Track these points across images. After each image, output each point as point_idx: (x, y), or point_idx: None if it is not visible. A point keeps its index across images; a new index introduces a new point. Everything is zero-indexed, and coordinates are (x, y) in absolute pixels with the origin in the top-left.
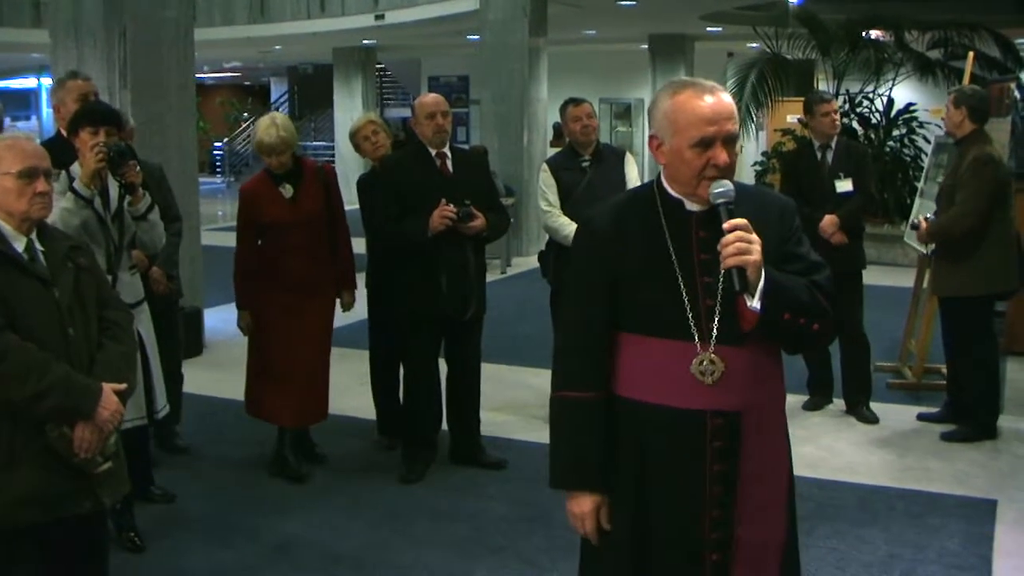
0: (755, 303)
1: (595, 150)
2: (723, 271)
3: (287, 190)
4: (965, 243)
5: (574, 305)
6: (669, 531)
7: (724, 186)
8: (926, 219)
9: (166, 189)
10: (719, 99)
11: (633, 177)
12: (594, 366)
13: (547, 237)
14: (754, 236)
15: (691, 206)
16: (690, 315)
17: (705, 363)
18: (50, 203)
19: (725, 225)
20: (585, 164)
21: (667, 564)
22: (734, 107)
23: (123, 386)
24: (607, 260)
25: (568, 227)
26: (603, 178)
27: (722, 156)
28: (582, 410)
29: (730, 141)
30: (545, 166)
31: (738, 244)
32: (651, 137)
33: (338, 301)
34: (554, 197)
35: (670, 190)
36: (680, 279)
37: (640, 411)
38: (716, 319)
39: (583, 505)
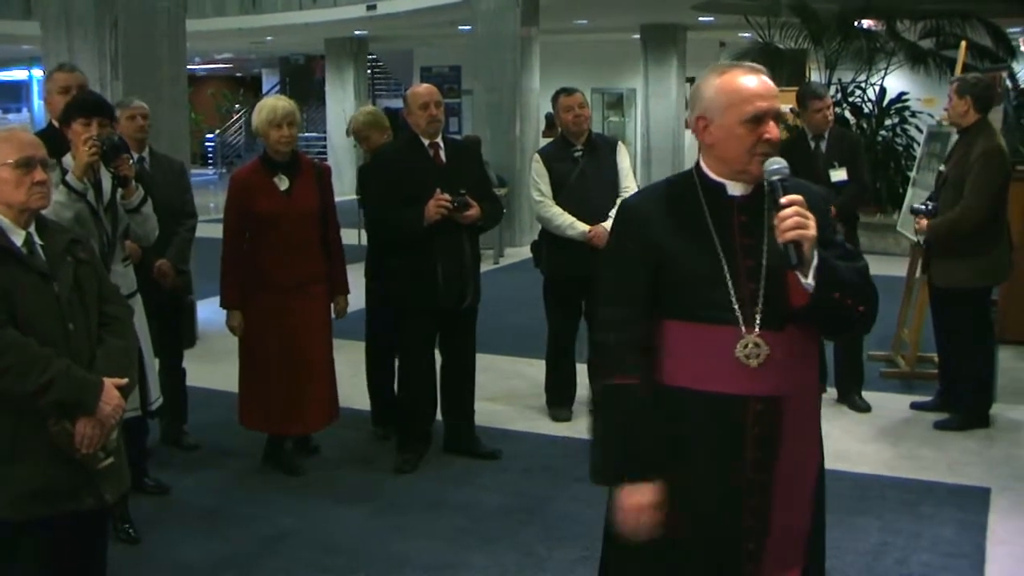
0: (809, 280)
1: (587, 140)
2: (766, 253)
3: (282, 181)
4: (967, 235)
5: (612, 290)
6: (707, 519)
7: (779, 163)
8: (926, 212)
9: (185, 186)
10: (764, 78)
11: (625, 167)
12: (636, 351)
13: (540, 227)
14: (809, 213)
15: (733, 190)
16: (734, 299)
17: (750, 346)
18: (49, 193)
19: (783, 200)
20: (577, 154)
21: (705, 554)
22: (775, 88)
23: (124, 380)
24: (646, 244)
25: (560, 217)
26: (595, 168)
27: (774, 130)
28: (634, 397)
29: (777, 118)
30: (537, 156)
31: (796, 219)
32: (698, 118)
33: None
34: (546, 187)
35: (711, 174)
36: (724, 262)
37: (680, 398)
38: (760, 303)
39: (643, 495)
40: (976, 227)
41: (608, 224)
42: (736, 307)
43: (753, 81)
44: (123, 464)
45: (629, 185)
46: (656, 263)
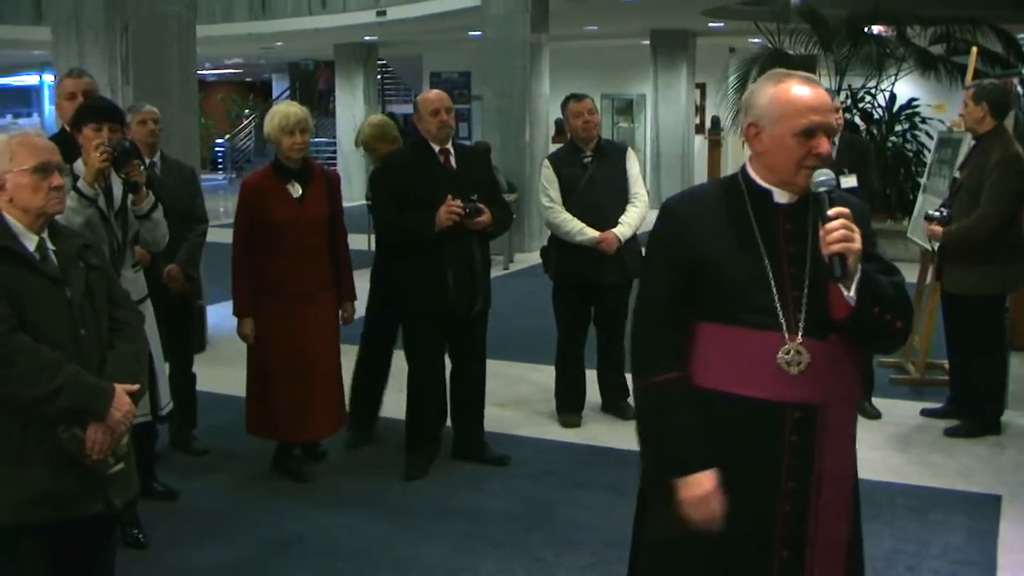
0: (852, 293)
1: (597, 146)
2: (810, 262)
3: (295, 188)
4: (983, 241)
5: (653, 290)
6: (741, 526)
7: (827, 175)
8: (941, 218)
9: (195, 191)
10: (820, 91)
11: (635, 173)
12: (679, 349)
13: (549, 232)
14: (855, 226)
15: (779, 198)
16: (778, 304)
17: (792, 353)
18: (64, 197)
19: (831, 212)
20: (587, 160)
21: (738, 560)
22: (831, 101)
23: (135, 386)
24: (685, 245)
25: (569, 223)
26: (605, 174)
27: (825, 145)
28: (678, 390)
29: (830, 133)
30: (547, 162)
31: (843, 231)
32: (749, 125)
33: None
34: (556, 193)
35: (758, 180)
36: (769, 268)
37: (717, 401)
38: (803, 310)
39: (705, 484)
40: (992, 234)
41: (618, 230)
42: (780, 313)
43: (808, 93)
44: (132, 469)
45: (639, 191)
46: (697, 265)
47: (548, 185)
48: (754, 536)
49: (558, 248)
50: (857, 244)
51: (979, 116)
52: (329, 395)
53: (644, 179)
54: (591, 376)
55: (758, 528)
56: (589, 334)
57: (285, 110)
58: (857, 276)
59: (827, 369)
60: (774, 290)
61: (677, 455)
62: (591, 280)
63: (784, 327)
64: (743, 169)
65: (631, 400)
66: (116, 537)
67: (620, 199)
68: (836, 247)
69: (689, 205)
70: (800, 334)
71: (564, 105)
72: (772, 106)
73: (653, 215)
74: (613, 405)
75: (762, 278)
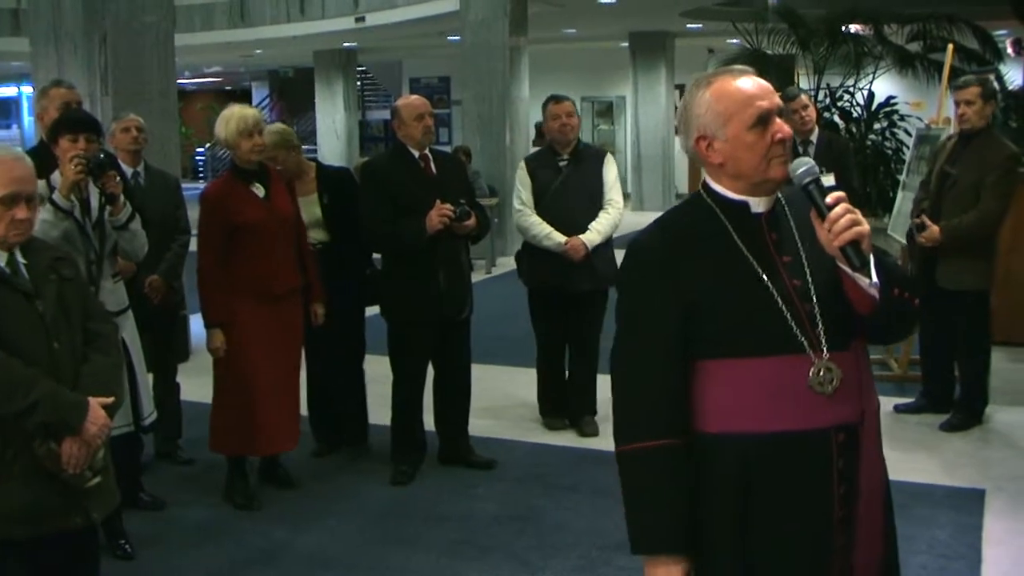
0: (874, 279)
1: (574, 150)
2: (809, 269)
3: (259, 189)
4: (986, 237)
5: (636, 345)
6: (794, 570)
7: (807, 164)
8: (923, 226)
9: (179, 201)
10: (755, 77)
11: (611, 179)
12: (670, 408)
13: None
14: (855, 208)
15: (757, 207)
16: (793, 324)
17: (823, 372)
18: (30, 228)
19: (829, 199)
20: (562, 163)
21: None
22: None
23: (110, 399)
24: (671, 286)
25: (537, 227)
26: (578, 178)
27: (784, 128)
28: (661, 461)
29: (781, 114)
30: (522, 163)
31: (849, 216)
32: (698, 140)
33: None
34: (527, 196)
35: (729, 193)
36: (771, 287)
37: (746, 445)
38: (819, 323)
39: (671, 572)
40: (995, 230)
41: (586, 237)
42: (798, 332)
43: (746, 83)
44: (111, 482)
45: (614, 198)
46: (686, 306)
47: (521, 187)
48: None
49: (529, 252)
50: (866, 226)
51: (988, 113)
52: (293, 405)
53: (626, 181)
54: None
55: (814, 568)
56: (569, 335)
57: (241, 113)
58: (871, 261)
59: (857, 380)
60: (784, 309)
61: (653, 530)
62: (562, 284)
63: (807, 346)
64: (705, 187)
65: (596, 419)
66: (98, 549)
67: (592, 204)
68: (848, 235)
69: (661, 241)
70: (825, 350)
71: (544, 107)
72: (714, 109)
73: (638, 219)
74: (576, 422)
75: (768, 299)
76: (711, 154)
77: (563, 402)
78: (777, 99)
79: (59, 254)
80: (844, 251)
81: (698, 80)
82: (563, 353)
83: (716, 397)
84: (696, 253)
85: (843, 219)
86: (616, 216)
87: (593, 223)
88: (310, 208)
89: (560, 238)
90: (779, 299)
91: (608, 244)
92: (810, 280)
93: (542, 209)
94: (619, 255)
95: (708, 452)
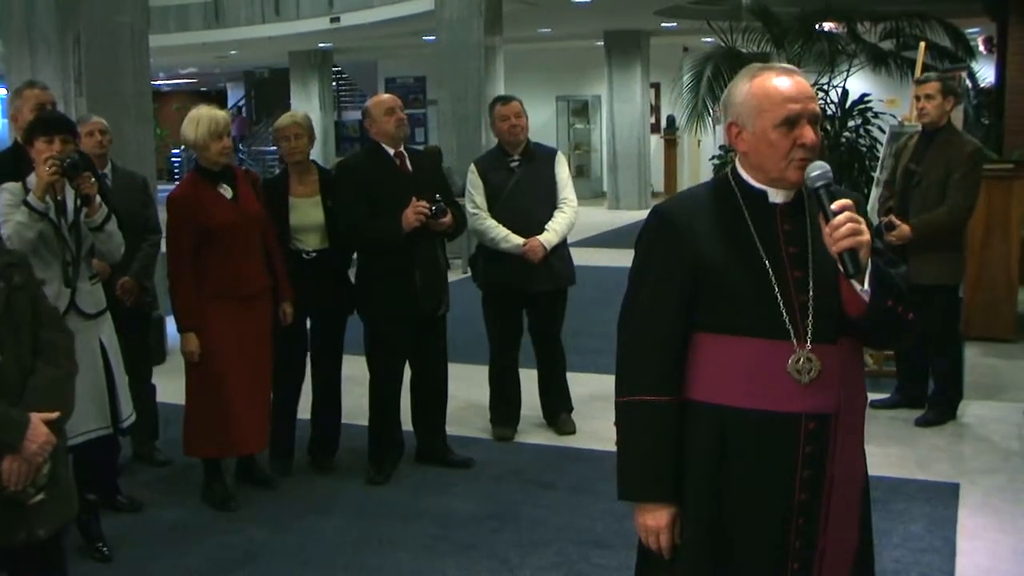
0: (866, 287)
1: (525, 150)
2: (812, 263)
3: (227, 190)
4: (956, 232)
5: (644, 302)
6: (752, 540)
7: (821, 168)
8: (890, 225)
9: (148, 201)
10: (798, 79)
11: (564, 178)
12: (668, 368)
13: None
14: (860, 218)
15: (775, 197)
16: (784, 311)
17: (802, 361)
18: None
19: (834, 206)
20: (514, 164)
21: (750, 574)
22: (811, 88)
23: (54, 415)
24: (685, 253)
25: (494, 230)
26: (532, 178)
27: (809, 134)
28: (657, 415)
29: (814, 120)
30: (473, 166)
31: (850, 225)
32: (730, 125)
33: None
34: (481, 199)
35: (751, 180)
36: (771, 274)
37: (724, 416)
38: (810, 315)
39: (659, 518)
40: (963, 224)
41: (544, 237)
42: (787, 320)
43: (785, 83)
44: (65, 493)
45: (568, 196)
46: (695, 274)
47: (473, 190)
48: (768, 551)
49: (485, 256)
50: (866, 236)
51: (948, 108)
52: (265, 405)
53: (601, 181)
54: (527, 388)
55: (771, 541)
56: (524, 343)
57: (211, 114)
58: (868, 269)
59: (839, 375)
60: (779, 296)
61: (642, 478)
62: (519, 287)
63: (792, 335)
64: (733, 170)
65: (573, 415)
66: (62, 555)
67: (548, 205)
68: (846, 243)
69: (682, 210)
70: (809, 341)
71: (491, 108)
72: (749, 102)
73: (613, 218)
74: (554, 420)
75: (765, 284)
76: (739, 142)
77: (515, 410)
78: (813, 105)
79: (11, 260)
80: (841, 257)
81: (748, 69)
82: (517, 362)
83: (703, 368)
84: (710, 228)
85: (844, 227)
86: (572, 215)
87: (550, 223)
88: (312, 212)
89: (518, 240)
90: (776, 286)
91: (564, 243)
92: (811, 273)
93: (498, 211)
94: (583, 254)
95: (692, 417)
